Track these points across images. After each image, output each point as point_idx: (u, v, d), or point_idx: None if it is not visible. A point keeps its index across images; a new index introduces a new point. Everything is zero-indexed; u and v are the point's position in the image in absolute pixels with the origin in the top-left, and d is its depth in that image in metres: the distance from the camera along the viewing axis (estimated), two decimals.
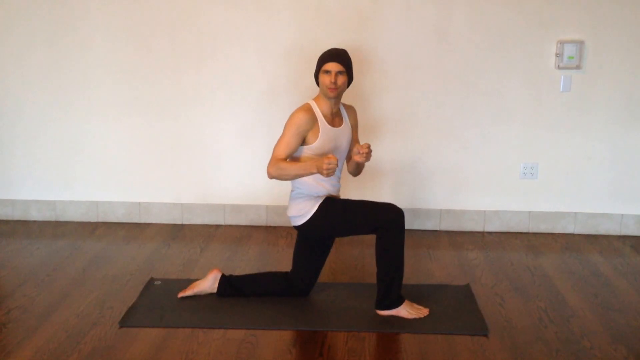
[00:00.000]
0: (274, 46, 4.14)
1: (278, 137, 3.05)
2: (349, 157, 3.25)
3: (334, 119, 3.12)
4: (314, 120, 3.02)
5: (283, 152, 2.99)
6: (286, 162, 2.97)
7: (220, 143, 4.31)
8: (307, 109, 3.03)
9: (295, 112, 3.03)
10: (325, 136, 3.04)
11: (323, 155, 3.01)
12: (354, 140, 3.24)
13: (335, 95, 3.04)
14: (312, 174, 2.94)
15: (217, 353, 2.73)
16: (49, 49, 4.21)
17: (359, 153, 2.96)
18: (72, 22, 4.16)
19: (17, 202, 4.47)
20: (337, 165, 2.82)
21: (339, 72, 3.01)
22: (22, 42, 4.21)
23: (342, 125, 3.15)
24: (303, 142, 3.03)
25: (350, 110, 3.27)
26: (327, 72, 3.01)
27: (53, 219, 4.48)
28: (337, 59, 3.02)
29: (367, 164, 3.17)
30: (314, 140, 3.02)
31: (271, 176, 3.01)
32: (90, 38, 4.19)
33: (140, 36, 4.17)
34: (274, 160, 2.99)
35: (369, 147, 2.96)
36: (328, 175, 2.83)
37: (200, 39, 4.15)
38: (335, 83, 3.00)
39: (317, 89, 3.15)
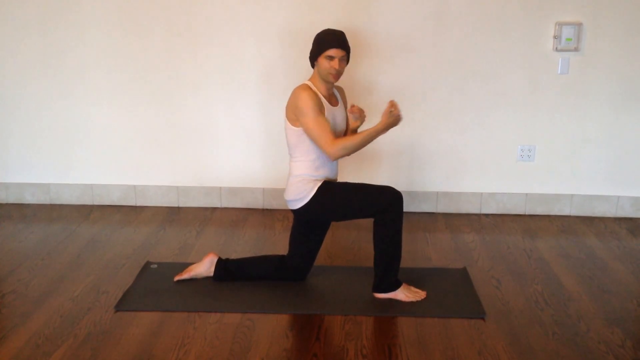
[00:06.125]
0: (270, 29, 4.09)
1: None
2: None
3: (331, 99, 3.11)
4: (318, 97, 3.00)
5: (327, 131, 2.93)
6: (347, 138, 2.95)
7: (216, 126, 4.28)
8: (308, 87, 3.00)
9: (300, 92, 2.96)
10: (327, 115, 3.01)
11: None
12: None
13: (336, 80, 3.02)
14: (381, 133, 2.95)
15: (213, 337, 2.73)
16: (44, 33, 4.15)
17: (353, 114, 3.11)
18: (66, 8, 4.10)
19: (11, 186, 4.44)
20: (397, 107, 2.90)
21: (341, 58, 2.98)
22: (17, 27, 4.15)
23: (338, 105, 3.13)
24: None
25: (341, 91, 3.27)
26: (331, 57, 2.97)
27: (47, 202, 4.46)
28: (341, 45, 2.98)
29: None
30: None
31: (337, 157, 2.97)
32: (86, 23, 4.13)
33: (135, 21, 4.11)
34: (332, 142, 2.92)
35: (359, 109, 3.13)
36: (398, 119, 2.92)
37: (196, 23, 4.10)
38: (338, 70, 2.98)
39: (312, 71, 3.12)
